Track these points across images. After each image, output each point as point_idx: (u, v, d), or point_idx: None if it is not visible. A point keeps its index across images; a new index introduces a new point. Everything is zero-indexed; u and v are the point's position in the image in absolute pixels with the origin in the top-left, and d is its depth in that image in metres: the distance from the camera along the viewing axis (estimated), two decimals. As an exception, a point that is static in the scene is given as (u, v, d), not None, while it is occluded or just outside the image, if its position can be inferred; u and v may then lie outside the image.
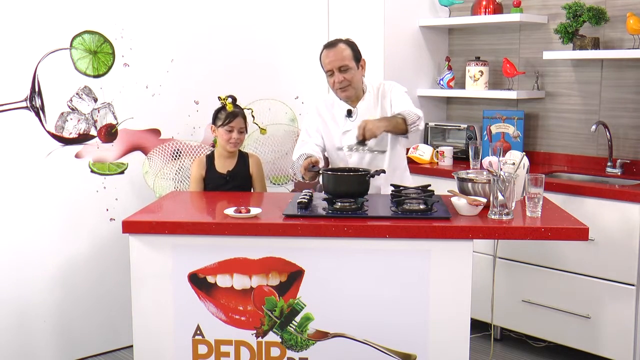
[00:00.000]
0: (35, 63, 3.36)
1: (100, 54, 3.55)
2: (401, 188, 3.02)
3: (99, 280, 3.65)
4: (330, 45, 3.21)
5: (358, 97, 3.26)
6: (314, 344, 2.70)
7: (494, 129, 4.19)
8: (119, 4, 3.58)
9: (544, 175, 2.69)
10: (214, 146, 3.88)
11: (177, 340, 2.73)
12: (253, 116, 3.63)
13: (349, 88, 3.20)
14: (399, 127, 3.06)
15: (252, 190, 3.61)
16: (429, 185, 3.13)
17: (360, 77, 3.23)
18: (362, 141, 2.96)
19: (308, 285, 2.67)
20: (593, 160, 3.95)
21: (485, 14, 4.19)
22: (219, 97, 3.48)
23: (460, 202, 2.74)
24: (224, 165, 3.48)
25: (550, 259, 3.56)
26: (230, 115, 3.40)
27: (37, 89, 3.37)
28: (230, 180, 3.47)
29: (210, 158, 3.48)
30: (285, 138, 4.18)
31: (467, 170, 3.03)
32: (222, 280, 2.69)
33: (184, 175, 3.86)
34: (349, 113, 3.23)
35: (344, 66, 3.15)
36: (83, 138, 3.54)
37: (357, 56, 3.21)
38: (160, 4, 3.73)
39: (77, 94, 3.50)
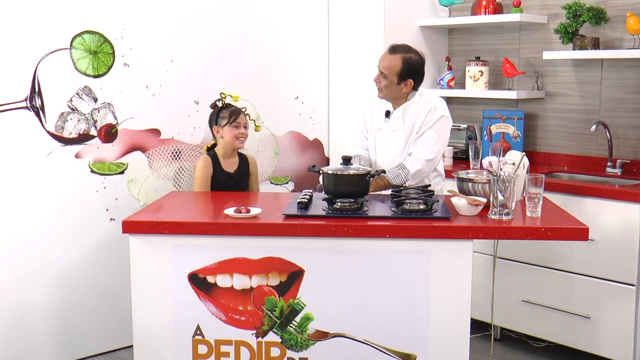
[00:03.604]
0: (35, 63, 3.36)
1: (100, 54, 3.55)
2: (401, 188, 3.02)
3: (99, 280, 3.65)
4: (390, 50, 3.26)
5: (397, 102, 3.30)
6: (314, 344, 2.70)
7: (494, 129, 4.19)
8: (119, 4, 3.58)
9: (544, 175, 2.69)
10: (209, 148, 3.88)
11: (177, 340, 2.73)
12: (248, 114, 3.63)
13: (380, 91, 3.28)
14: (386, 186, 3.20)
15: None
16: (429, 185, 3.13)
17: (397, 91, 3.25)
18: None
19: (308, 285, 2.67)
20: (593, 160, 3.95)
21: (485, 14, 4.18)
22: (220, 97, 3.51)
23: (460, 202, 2.74)
24: (229, 166, 3.53)
25: (550, 259, 3.56)
26: (234, 112, 3.49)
27: (37, 89, 3.37)
28: (238, 179, 3.54)
29: (214, 158, 3.50)
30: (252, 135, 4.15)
31: (467, 170, 3.04)
32: (222, 280, 2.69)
33: (183, 176, 3.86)
34: (387, 114, 3.34)
35: (384, 74, 3.22)
36: (83, 138, 3.54)
37: (403, 74, 3.20)
38: (160, 4, 3.73)
39: (77, 94, 3.50)
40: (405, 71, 3.20)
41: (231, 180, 3.52)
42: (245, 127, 3.53)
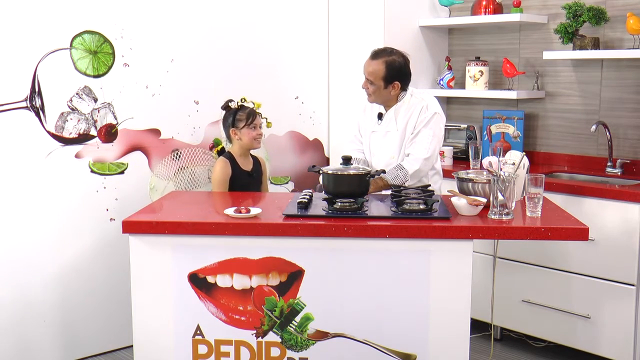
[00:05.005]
0: (35, 63, 3.36)
1: (100, 54, 3.55)
2: (401, 188, 3.02)
3: (99, 280, 3.65)
4: (373, 55, 3.28)
5: (388, 104, 3.32)
6: (314, 344, 2.70)
7: (494, 129, 4.19)
8: (119, 4, 3.58)
9: (544, 175, 2.69)
10: (211, 148, 3.90)
11: (177, 340, 2.73)
12: (260, 113, 3.64)
13: (369, 96, 3.30)
14: (386, 187, 3.21)
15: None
16: (429, 185, 3.14)
17: (386, 95, 3.27)
18: None
19: (308, 285, 2.67)
20: (593, 160, 3.95)
21: (485, 14, 4.18)
22: (238, 101, 3.60)
23: (460, 202, 2.74)
24: (246, 165, 3.59)
25: (550, 259, 3.56)
26: (251, 113, 3.54)
27: (37, 89, 3.37)
28: (255, 177, 3.60)
29: (231, 159, 3.52)
30: None
31: (467, 170, 3.04)
32: (222, 280, 2.69)
33: (184, 176, 3.86)
34: (379, 116, 3.35)
35: (370, 80, 3.24)
36: (83, 138, 3.53)
37: (388, 78, 3.22)
38: (160, 4, 3.73)
39: (77, 94, 3.50)
40: (390, 74, 3.22)
41: (250, 178, 3.58)
42: (261, 127, 3.59)
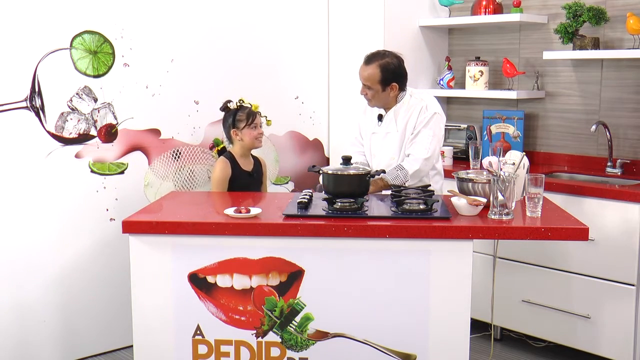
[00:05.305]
0: (35, 63, 3.36)
1: (100, 54, 3.55)
2: (401, 188, 3.02)
3: (99, 280, 3.65)
4: (366, 60, 3.28)
5: (388, 106, 3.32)
6: (314, 344, 2.70)
7: (494, 129, 4.19)
8: (119, 4, 3.58)
9: (544, 175, 2.69)
10: (211, 148, 3.90)
11: (177, 340, 2.73)
12: (259, 112, 3.65)
13: (369, 101, 3.31)
14: (386, 187, 3.21)
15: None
16: (429, 185, 3.14)
17: (385, 97, 3.27)
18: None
19: (308, 285, 2.67)
20: (593, 160, 3.95)
21: (485, 14, 4.18)
22: (236, 101, 3.59)
23: (460, 202, 2.74)
24: (246, 165, 3.59)
25: (550, 259, 3.56)
26: (251, 113, 3.54)
27: (37, 89, 3.37)
28: (256, 177, 3.60)
29: (232, 160, 3.52)
30: None
31: (467, 170, 3.04)
32: (222, 280, 2.69)
33: (182, 175, 3.87)
34: (380, 118, 3.36)
35: (367, 85, 3.25)
36: (83, 138, 3.54)
37: (385, 80, 3.22)
38: (160, 4, 3.73)
39: (77, 94, 3.50)
40: (386, 76, 3.22)
41: (250, 178, 3.58)
42: (261, 126, 3.60)
